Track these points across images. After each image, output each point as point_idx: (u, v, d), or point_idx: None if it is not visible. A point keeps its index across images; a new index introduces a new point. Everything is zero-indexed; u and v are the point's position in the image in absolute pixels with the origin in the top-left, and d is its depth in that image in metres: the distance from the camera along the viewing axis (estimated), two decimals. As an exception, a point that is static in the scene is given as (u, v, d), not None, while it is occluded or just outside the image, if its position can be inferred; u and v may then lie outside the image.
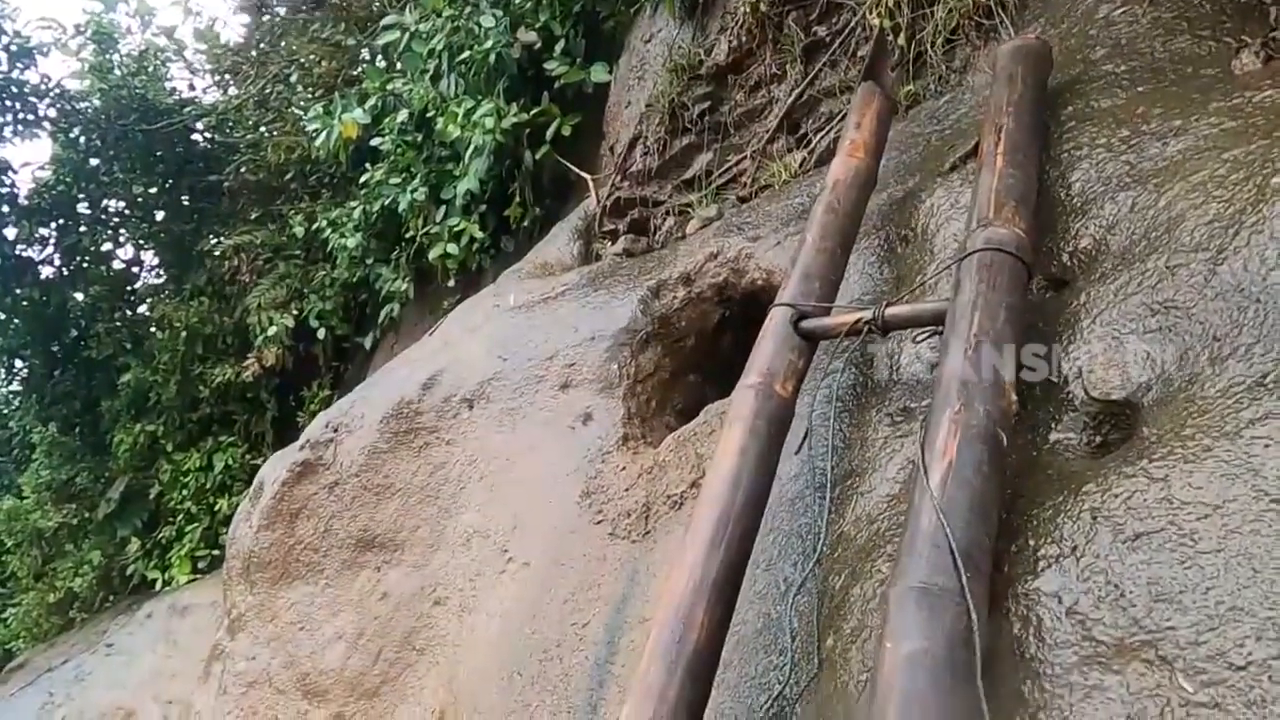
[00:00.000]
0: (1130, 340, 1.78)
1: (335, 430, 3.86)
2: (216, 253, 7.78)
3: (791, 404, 2.15)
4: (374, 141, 6.68)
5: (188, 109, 7.99)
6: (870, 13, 3.76)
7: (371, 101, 6.53)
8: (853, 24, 4.05)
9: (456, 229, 6.15)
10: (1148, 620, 1.38)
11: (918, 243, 2.53)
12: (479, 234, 6.06)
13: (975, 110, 2.99)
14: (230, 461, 7.69)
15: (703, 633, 1.83)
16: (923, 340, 2.19)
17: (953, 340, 1.85)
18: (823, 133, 3.87)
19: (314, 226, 7.35)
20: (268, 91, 7.89)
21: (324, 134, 6.25)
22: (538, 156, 5.57)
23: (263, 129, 8.10)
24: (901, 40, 3.63)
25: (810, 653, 1.85)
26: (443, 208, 6.31)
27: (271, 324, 7.20)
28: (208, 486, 7.70)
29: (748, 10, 4.43)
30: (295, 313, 7.37)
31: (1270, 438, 1.42)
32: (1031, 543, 1.59)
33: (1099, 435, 1.79)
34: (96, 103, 7.95)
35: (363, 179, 6.81)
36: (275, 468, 4.04)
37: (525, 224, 5.84)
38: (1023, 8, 3.23)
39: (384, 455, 3.67)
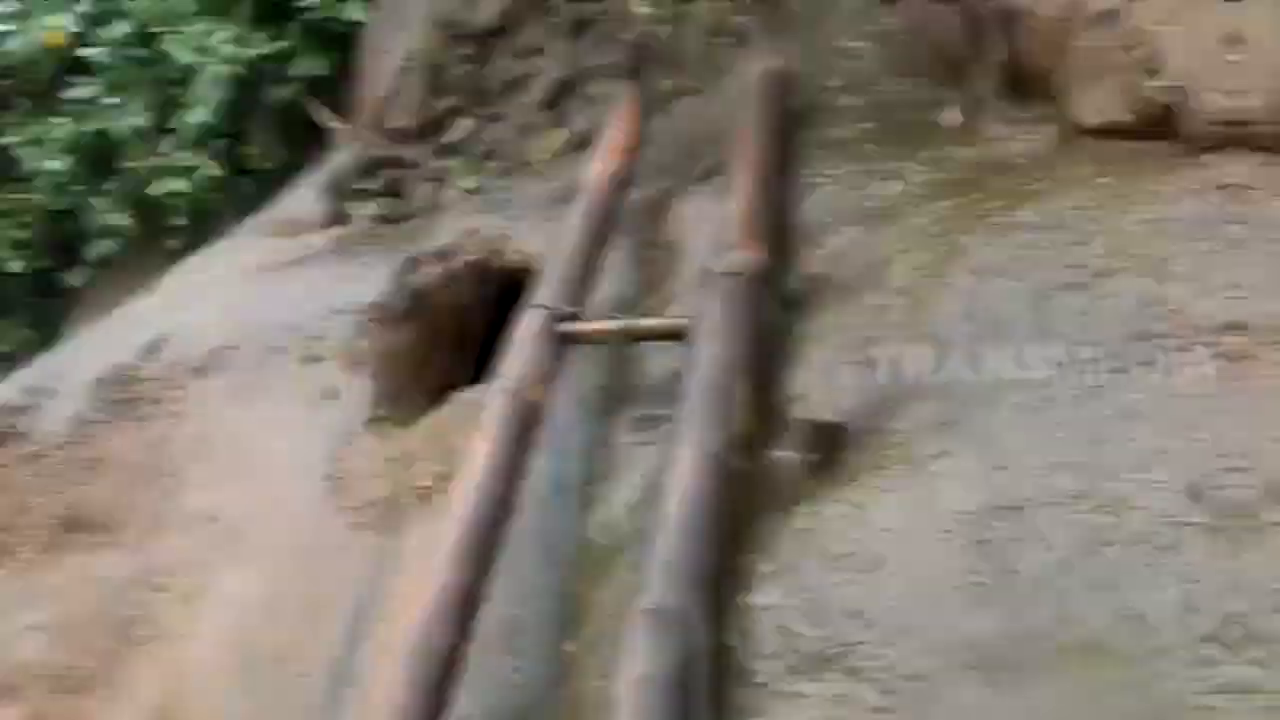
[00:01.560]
0: (844, 370, 1.96)
1: (35, 394, 3.33)
2: None
3: (542, 408, 2.16)
4: (84, 51, 5.74)
5: None
6: (634, -1, 3.77)
7: (83, 6, 5.58)
8: (620, 8, 4.05)
9: (187, 164, 5.48)
10: (842, 635, 1.55)
11: (670, 250, 2.61)
12: (215, 172, 5.43)
13: (730, 115, 3.10)
14: (-109, 411, 6.43)
15: (445, 642, 1.82)
16: (669, 351, 2.28)
17: (693, 358, 1.94)
18: (584, 115, 3.85)
19: (2, 141, 6.20)
20: (-58, -29, 6.47)
21: (20, 38, 5.27)
22: (285, 94, 5.07)
23: (-65, 16, 6.64)
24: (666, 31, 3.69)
25: (550, 657, 1.91)
26: (171, 138, 5.58)
27: (-52, 252, 6.03)
28: None
29: (518, -26, 4.29)
30: (-20, 241, 6.22)
31: (945, 473, 1.63)
32: (753, 560, 1.73)
33: (815, 455, 1.96)
34: None
35: (70, 93, 5.83)
36: (-47, 437, 3.42)
37: (269, 165, 5.31)
38: (778, 21, 3.37)
39: (97, 426, 3.22)
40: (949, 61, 2.73)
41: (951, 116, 2.46)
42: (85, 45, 5.65)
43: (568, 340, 2.28)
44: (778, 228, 2.30)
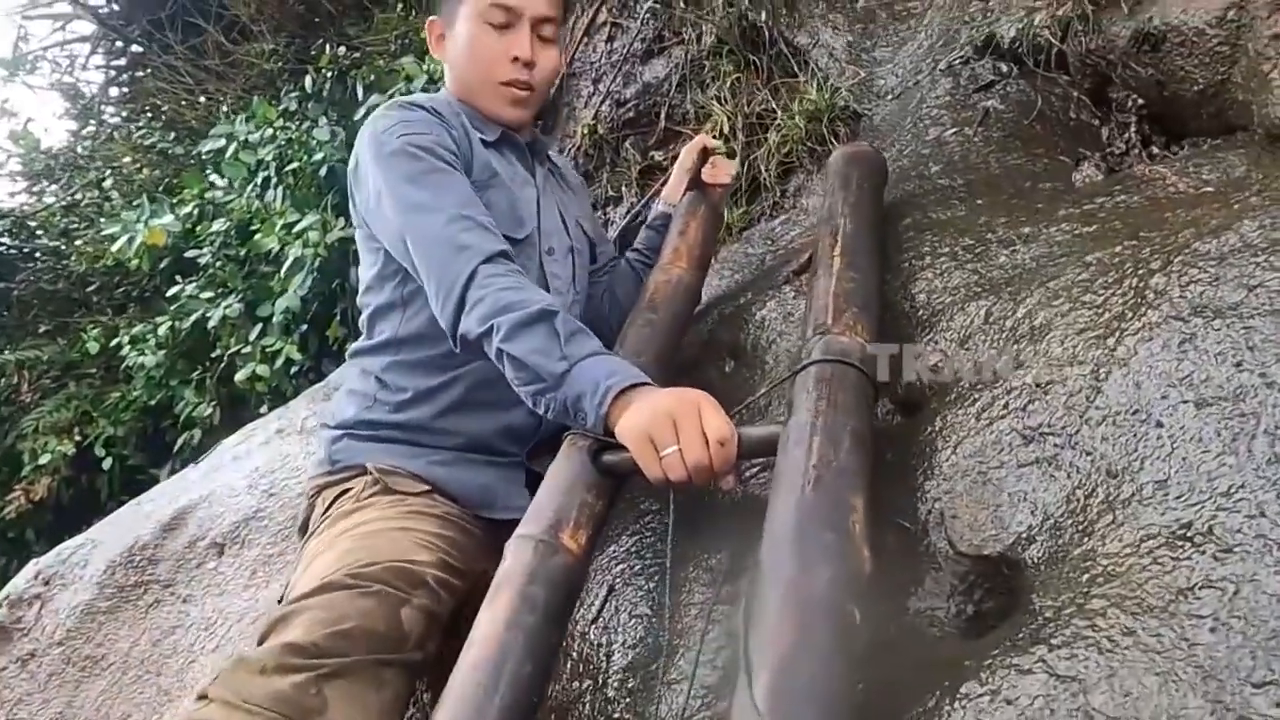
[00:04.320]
0: (1001, 476, 1.32)
1: (46, 583, 2.92)
2: (-9, 368, 6.56)
3: (585, 559, 1.56)
4: (191, 254, 5.92)
5: (-26, 209, 6.95)
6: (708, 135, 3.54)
7: (187, 209, 5.81)
8: (689, 151, 3.82)
9: (272, 349, 5.39)
10: None
11: (747, 359, 2.08)
12: (297, 355, 5.32)
13: (810, 230, 2.67)
14: (-22, 614, 6.20)
15: None
16: (751, 475, 1.69)
17: (785, 475, 1.34)
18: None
19: (112, 343, 6.35)
20: (78, 197, 6.99)
21: (124, 239, 5.44)
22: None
23: (69, 237, 7.12)
24: (736, 164, 3.42)
25: None
26: (259, 325, 5.56)
27: (45, 451, 6.01)
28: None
29: (586, 133, 4.18)
30: (78, 439, 6.21)
31: (1216, 618, 0.95)
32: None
33: (971, 604, 1.30)
34: None
35: (171, 292, 5.97)
36: (-43, 633, 3.02)
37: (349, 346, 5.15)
38: (854, 135, 3.04)
39: (100, 617, 2.75)
40: (1070, 128, 2.26)
41: (1089, 173, 1.94)
42: (192, 247, 5.85)
43: (618, 471, 1.69)
44: (878, 313, 1.75)
